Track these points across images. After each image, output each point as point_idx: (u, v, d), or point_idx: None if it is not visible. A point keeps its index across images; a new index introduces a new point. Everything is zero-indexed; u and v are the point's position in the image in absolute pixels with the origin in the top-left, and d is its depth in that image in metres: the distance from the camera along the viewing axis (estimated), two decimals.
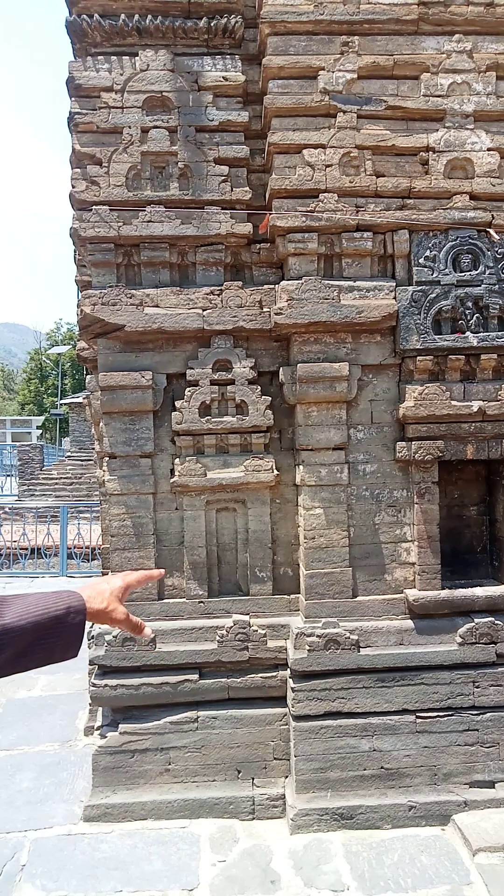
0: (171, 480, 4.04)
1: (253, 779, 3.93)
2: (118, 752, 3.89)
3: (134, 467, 4.05)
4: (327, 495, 3.95)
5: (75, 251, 4.92)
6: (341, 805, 3.70)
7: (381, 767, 3.79)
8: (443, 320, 3.97)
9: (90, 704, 4.88)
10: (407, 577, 4.00)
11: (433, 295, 3.93)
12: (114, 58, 4.03)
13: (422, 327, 3.92)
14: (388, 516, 4.02)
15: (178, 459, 4.05)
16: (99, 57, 4.04)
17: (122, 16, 3.99)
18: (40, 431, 37.93)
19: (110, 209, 3.97)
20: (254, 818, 3.82)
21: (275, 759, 3.94)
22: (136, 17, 3.99)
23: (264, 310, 4.05)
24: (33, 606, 1.13)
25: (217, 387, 4.05)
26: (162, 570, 1.55)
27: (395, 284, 3.97)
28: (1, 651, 1.07)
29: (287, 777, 3.92)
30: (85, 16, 3.99)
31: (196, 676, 3.94)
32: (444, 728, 3.82)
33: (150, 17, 4.00)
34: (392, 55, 3.94)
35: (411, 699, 3.83)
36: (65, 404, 28.57)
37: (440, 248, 3.96)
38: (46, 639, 1.13)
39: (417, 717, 3.82)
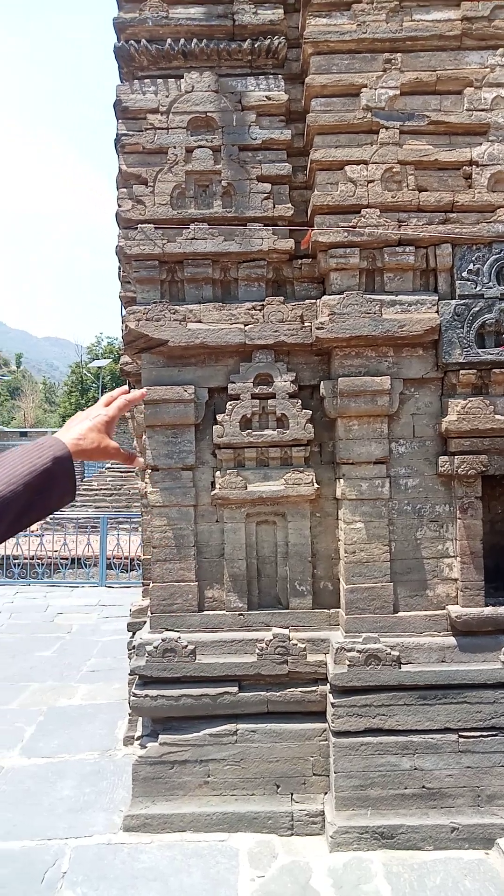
0: (212, 493, 4.08)
1: (292, 794, 3.90)
2: (158, 763, 3.91)
3: (176, 480, 4.11)
4: (368, 509, 3.93)
5: (119, 268, 5.04)
6: (382, 824, 3.65)
7: (423, 787, 3.73)
8: (486, 334, 3.94)
9: (130, 714, 4.93)
10: (449, 593, 3.95)
11: (476, 308, 3.91)
12: (159, 80, 4.15)
13: (465, 341, 3.89)
14: (429, 531, 3.98)
15: (218, 472, 4.09)
16: (145, 80, 4.16)
17: (168, 40, 4.10)
18: None
19: (155, 227, 4.06)
20: (292, 834, 3.79)
21: (314, 774, 3.91)
22: (182, 40, 4.10)
23: (305, 324, 4.08)
24: (20, 466, 1.12)
25: (258, 400, 4.08)
26: (144, 391, 1.47)
27: (437, 298, 3.96)
28: (1, 520, 1.08)
29: (326, 793, 3.89)
30: (132, 41, 4.11)
31: (235, 689, 3.95)
32: (488, 748, 3.74)
33: (195, 40, 4.10)
34: (435, 71, 3.96)
35: (454, 718, 3.76)
36: None
37: (484, 262, 3.94)
38: (41, 495, 1.13)
39: (460, 736, 3.75)
